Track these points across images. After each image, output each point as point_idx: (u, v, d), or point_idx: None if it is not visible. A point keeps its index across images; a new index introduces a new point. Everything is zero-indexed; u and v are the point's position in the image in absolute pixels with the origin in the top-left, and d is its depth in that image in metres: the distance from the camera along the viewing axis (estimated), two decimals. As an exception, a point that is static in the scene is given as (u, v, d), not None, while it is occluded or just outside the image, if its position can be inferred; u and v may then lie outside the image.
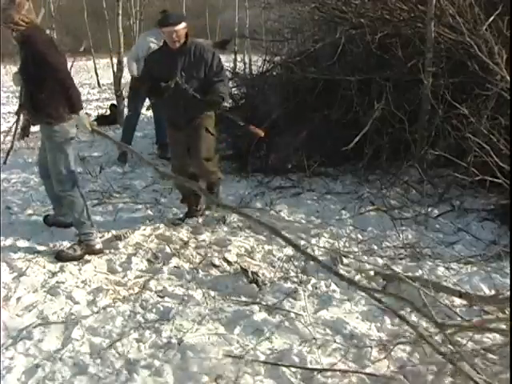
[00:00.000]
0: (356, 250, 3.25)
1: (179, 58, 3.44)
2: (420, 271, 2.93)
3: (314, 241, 3.38)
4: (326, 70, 4.74)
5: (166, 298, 2.73)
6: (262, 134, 3.72)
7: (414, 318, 2.41)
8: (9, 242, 3.39)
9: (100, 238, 3.35)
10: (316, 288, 2.79)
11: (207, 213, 3.87)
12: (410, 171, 4.23)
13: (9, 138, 6.94)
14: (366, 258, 3.12)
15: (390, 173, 4.41)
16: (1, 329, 2.43)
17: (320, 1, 5.21)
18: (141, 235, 3.50)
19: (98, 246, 3.25)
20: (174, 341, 2.34)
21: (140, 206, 4.09)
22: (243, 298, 2.70)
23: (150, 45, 4.97)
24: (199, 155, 3.55)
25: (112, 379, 2.12)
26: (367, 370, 2.08)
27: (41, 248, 3.32)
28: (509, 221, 3.33)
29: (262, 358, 2.20)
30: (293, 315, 2.51)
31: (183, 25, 3.40)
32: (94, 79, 14.36)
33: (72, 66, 3.72)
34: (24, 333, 2.42)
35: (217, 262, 3.11)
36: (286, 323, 2.45)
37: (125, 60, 12.31)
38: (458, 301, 2.60)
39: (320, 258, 3.11)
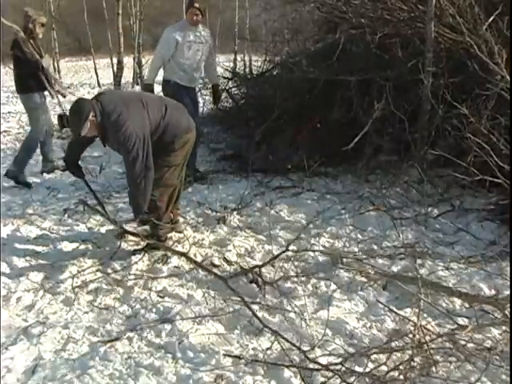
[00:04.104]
0: (356, 250, 3.25)
1: None
2: (420, 271, 2.92)
3: (313, 241, 3.38)
4: (325, 70, 4.74)
5: (166, 298, 2.73)
6: None
7: (413, 317, 2.41)
8: (9, 241, 3.39)
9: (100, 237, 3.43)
10: (316, 288, 2.80)
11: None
12: (410, 171, 4.23)
13: (9, 137, 6.95)
14: (366, 258, 3.12)
15: (390, 173, 4.41)
16: (1, 329, 2.43)
17: (320, 1, 5.20)
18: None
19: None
20: (174, 341, 2.34)
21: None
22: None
23: (177, 39, 4.48)
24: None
25: (112, 379, 2.12)
26: (367, 370, 2.07)
27: (41, 248, 3.32)
28: (509, 221, 3.33)
29: (262, 357, 2.20)
30: (293, 315, 2.51)
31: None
32: (94, 79, 14.37)
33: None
34: (24, 333, 2.42)
35: (217, 261, 3.11)
36: (286, 323, 2.45)
37: (125, 60, 12.22)
38: (458, 301, 2.60)
39: (320, 258, 3.13)
